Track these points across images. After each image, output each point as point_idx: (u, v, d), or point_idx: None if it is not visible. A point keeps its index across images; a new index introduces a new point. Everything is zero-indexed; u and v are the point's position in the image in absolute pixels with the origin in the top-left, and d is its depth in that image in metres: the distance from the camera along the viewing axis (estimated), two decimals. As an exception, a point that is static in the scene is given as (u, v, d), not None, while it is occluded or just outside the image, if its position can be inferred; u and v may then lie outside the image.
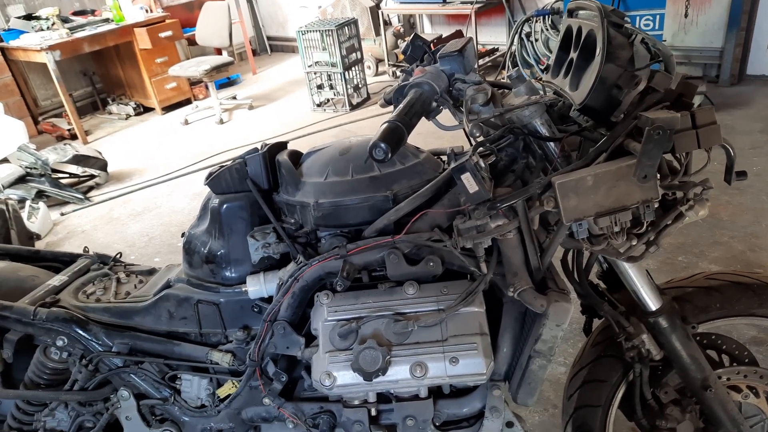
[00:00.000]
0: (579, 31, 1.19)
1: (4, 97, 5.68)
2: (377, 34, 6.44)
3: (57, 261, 1.79)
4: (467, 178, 1.06)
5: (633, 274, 1.26)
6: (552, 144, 1.14)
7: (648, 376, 1.35)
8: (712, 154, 1.05)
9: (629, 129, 1.03)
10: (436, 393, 1.28)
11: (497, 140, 1.21)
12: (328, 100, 5.91)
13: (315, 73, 5.78)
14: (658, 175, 1.04)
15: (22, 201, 4.20)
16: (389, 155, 0.95)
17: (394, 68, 6.46)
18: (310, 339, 1.29)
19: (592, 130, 1.14)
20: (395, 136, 0.97)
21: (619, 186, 1.02)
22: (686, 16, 4.70)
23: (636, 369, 1.34)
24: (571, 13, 1.28)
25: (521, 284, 1.14)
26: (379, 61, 6.70)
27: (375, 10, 6.33)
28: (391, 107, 1.23)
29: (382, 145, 0.95)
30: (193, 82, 6.75)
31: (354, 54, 5.73)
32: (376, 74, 6.73)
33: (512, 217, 1.13)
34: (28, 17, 5.93)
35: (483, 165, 1.10)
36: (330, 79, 5.75)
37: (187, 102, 6.71)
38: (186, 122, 6.11)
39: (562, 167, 1.10)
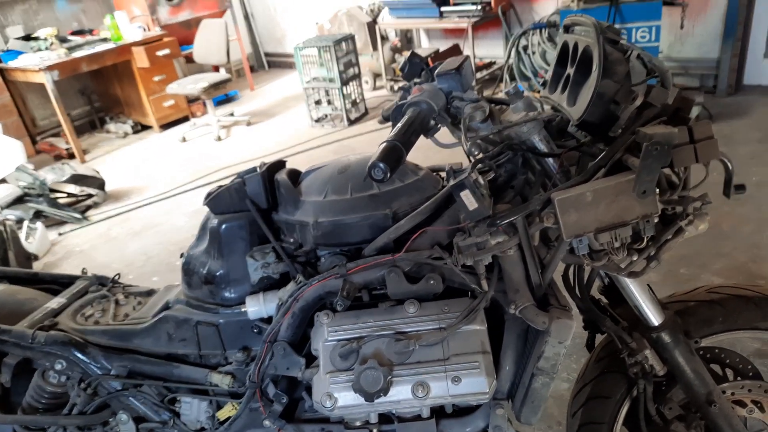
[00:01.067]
0: (575, 47, 1.20)
1: (3, 118, 5.70)
2: (374, 49, 6.48)
3: (55, 283, 1.78)
4: (466, 195, 1.05)
5: (635, 289, 1.26)
6: (551, 160, 1.14)
7: (652, 392, 1.34)
8: (711, 165, 1.05)
9: (627, 144, 1.03)
10: (438, 412, 1.26)
11: (496, 157, 1.20)
12: (326, 116, 5.92)
13: (313, 89, 5.80)
14: (657, 190, 1.04)
15: (19, 221, 4.19)
16: (388, 175, 0.95)
17: (392, 83, 6.49)
18: (311, 359, 1.28)
19: (591, 146, 1.14)
20: (394, 155, 0.97)
21: (618, 201, 1.02)
22: (682, 27, 4.74)
23: (640, 385, 1.32)
24: (567, 29, 1.28)
25: (523, 301, 1.13)
26: (376, 75, 6.74)
27: (372, 25, 6.38)
28: (389, 123, 1.23)
29: (381, 165, 0.95)
30: (191, 100, 6.77)
31: (351, 69, 5.76)
32: (374, 89, 6.76)
33: (512, 234, 1.12)
34: (27, 38, 5.97)
35: (482, 182, 1.10)
36: (328, 95, 5.77)
37: (185, 119, 6.73)
38: (184, 140, 6.13)
39: (562, 183, 1.09)
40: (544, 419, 2.11)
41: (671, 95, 1.07)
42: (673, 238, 1.09)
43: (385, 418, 1.27)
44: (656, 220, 1.05)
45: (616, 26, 1.18)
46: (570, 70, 1.22)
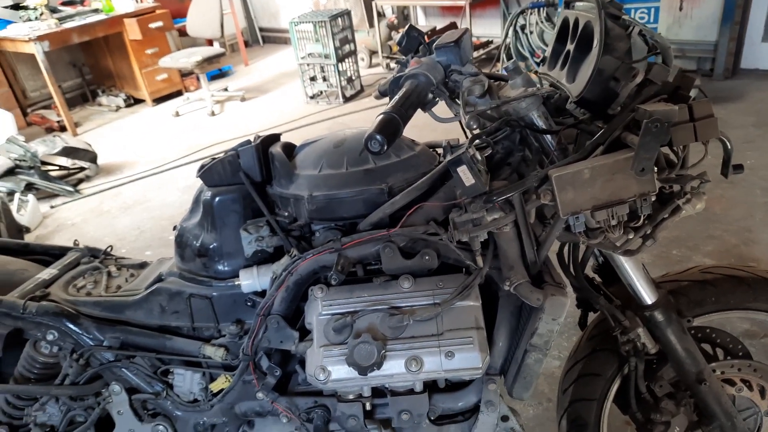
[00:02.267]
0: (576, 23, 1.18)
1: (-7, 89, 5.61)
2: (371, 25, 6.40)
3: (47, 254, 1.76)
4: (463, 171, 1.04)
5: (629, 268, 1.26)
6: (549, 136, 1.13)
7: (643, 370, 1.35)
8: (708, 146, 1.05)
9: (627, 122, 1.02)
10: (431, 387, 1.27)
11: (493, 132, 1.19)
12: (322, 92, 5.87)
13: (308, 65, 5.74)
14: (656, 168, 1.03)
15: (11, 193, 4.15)
16: (385, 147, 0.94)
17: (388, 60, 6.43)
18: (304, 333, 1.28)
19: (589, 123, 1.13)
20: (391, 127, 0.95)
21: (616, 179, 1.02)
22: (681, 9, 4.70)
23: (631, 363, 1.34)
24: (568, 4, 1.26)
25: (517, 278, 1.13)
26: (372, 53, 6.67)
27: (369, 2, 6.29)
28: (386, 99, 1.22)
29: (378, 137, 0.94)
30: (185, 74, 6.69)
31: (347, 46, 5.69)
32: (370, 66, 6.70)
33: (509, 211, 1.12)
34: (16, 7, 5.86)
35: (479, 158, 1.09)
36: (323, 71, 5.71)
37: (178, 93, 6.65)
38: (177, 114, 6.06)
39: (559, 160, 1.09)
40: (534, 396, 2.13)
41: (672, 73, 1.06)
42: (669, 217, 1.09)
43: (378, 391, 1.27)
44: (653, 198, 1.05)
45: (617, 4, 1.17)
46: (570, 47, 1.20)
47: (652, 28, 4.21)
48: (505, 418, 1.27)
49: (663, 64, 1.09)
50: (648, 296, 1.28)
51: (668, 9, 4.79)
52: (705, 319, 1.37)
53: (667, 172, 1.05)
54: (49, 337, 1.42)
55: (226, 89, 6.61)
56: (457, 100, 1.11)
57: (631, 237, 1.10)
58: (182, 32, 6.73)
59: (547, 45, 4.78)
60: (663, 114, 0.94)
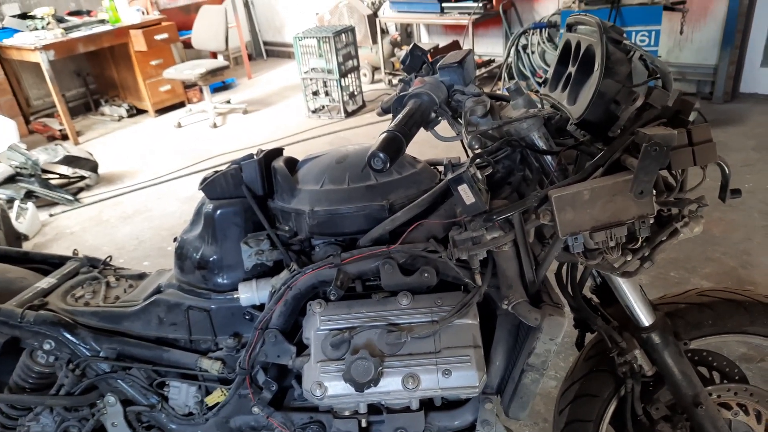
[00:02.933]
0: (578, 46, 1.20)
1: (-4, 96, 5.64)
2: (374, 42, 6.46)
3: (46, 263, 1.76)
4: (464, 190, 1.05)
5: (627, 289, 1.26)
6: (549, 157, 1.14)
7: (639, 392, 1.35)
8: (706, 171, 1.06)
9: (626, 144, 1.03)
10: (427, 405, 1.27)
11: (495, 152, 1.20)
12: (324, 107, 5.91)
13: (311, 80, 5.78)
14: (654, 191, 1.04)
15: (10, 201, 4.16)
16: (388, 165, 0.95)
17: (390, 76, 6.47)
18: (302, 348, 1.28)
19: (590, 145, 1.14)
20: (394, 145, 0.96)
21: (615, 201, 1.02)
22: (681, 33, 4.75)
23: (628, 384, 1.33)
24: (570, 27, 1.28)
25: (516, 297, 1.14)
26: (375, 69, 6.72)
27: (372, 18, 6.35)
28: (388, 115, 1.23)
29: (381, 154, 0.94)
30: (188, 86, 6.73)
31: (350, 61, 5.74)
32: (372, 82, 6.75)
33: (508, 230, 1.12)
34: (23, 16, 5.91)
35: (480, 177, 1.10)
36: (326, 86, 5.75)
37: (181, 105, 6.69)
38: (179, 125, 6.09)
39: (559, 181, 1.10)
40: (530, 416, 2.12)
41: (672, 97, 1.07)
42: (667, 240, 1.10)
43: (374, 408, 1.27)
44: (652, 221, 1.05)
45: (618, 28, 1.19)
46: (571, 69, 1.22)
47: (652, 51, 4.27)
48: (500, 438, 1.26)
49: (663, 89, 1.11)
50: (645, 318, 1.28)
51: (669, 32, 4.85)
52: (702, 342, 1.37)
53: (665, 195, 1.06)
54: (46, 347, 1.42)
55: (228, 102, 6.64)
56: (459, 119, 1.13)
57: (629, 259, 1.10)
58: (187, 44, 6.79)
59: (548, 65, 4.83)
60: (662, 138, 0.95)
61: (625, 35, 1.14)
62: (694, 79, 5.02)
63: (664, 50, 4.95)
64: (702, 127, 1.01)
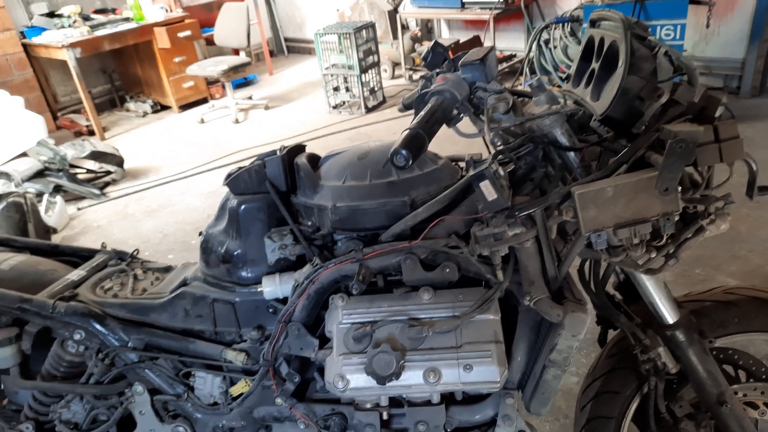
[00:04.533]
0: (601, 42, 1.19)
1: (25, 93, 5.76)
2: (395, 37, 6.46)
3: (75, 256, 1.81)
4: (486, 186, 1.06)
5: (651, 287, 1.25)
6: (572, 154, 1.14)
7: (663, 390, 1.34)
8: (733, 167, 1.05)
9: (651, 141, 1.03)
10: (448, 399, 1.28)
11: (517, 148, 1.21)
12: (344, 103, 5.93)
13: (331, 76, 5.80)
14: (680, 188, 1.03)
15: (39, 195, 4.25)
16: (410, 162, 0.96)
17: (411, 72, 6.47)
18: (324, 341, 1.30)
19: (613, 141, 1.14)
20: (416, 143, 0.97)
21: (639, 198, 1.02)
22: (708, 26, 4.66)
23: (651, 382, 1.33)
24: (594, 23, 1.28)
25: (538, 293, 1.14)
26: (395, 64, 6.71)
27: (393, 14, 6.35)
28: (409, 111, 1.24)
29: (404, 151, 0.95)
30: (210, 82, 6.80)
31: (371, 57, 5.74)
32: (393, 78, 6.74)
33: (530, 226, 1.12)
34: (51, 15, 6.02)
35: (502, 173, 1.10)
36: (346, 82, 5.77)
37: (204, 101, 6.76)
38: (202, 121, 6.16)
39: (582, 177, 1.09)
40: (551, 412, 2.12)
41: (698, 93, 1.06)
42: (693, 237, 1.09)
43: (395, 401, 1.28)
44: (677, 218, 1.05)
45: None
46: (595, 65, 1.21)
47: (678, 45, 4.19)
48: (521, 433, 1.27)
49: (689, 85, 1.10)
50: (669, 315, 1.27)
51: (695, 26, 4.76)
52: (727, 341, 1.36)
53: (691, 192, 1.05)
54: (76, 337, 1.46)
55: (250, 98, 6.70)
56: (481, 116, 1.13)
57: (653, 256, 1.09)
58: (209, 41, 6.86)
59: (570, 60, 4.78)
60: (688, 135, 0.94)
61: (649, 31, 1.13)
62: (720, 74, 4.92)
63: (690, 44, 4.86)
64: (729, 123, 1.00)
